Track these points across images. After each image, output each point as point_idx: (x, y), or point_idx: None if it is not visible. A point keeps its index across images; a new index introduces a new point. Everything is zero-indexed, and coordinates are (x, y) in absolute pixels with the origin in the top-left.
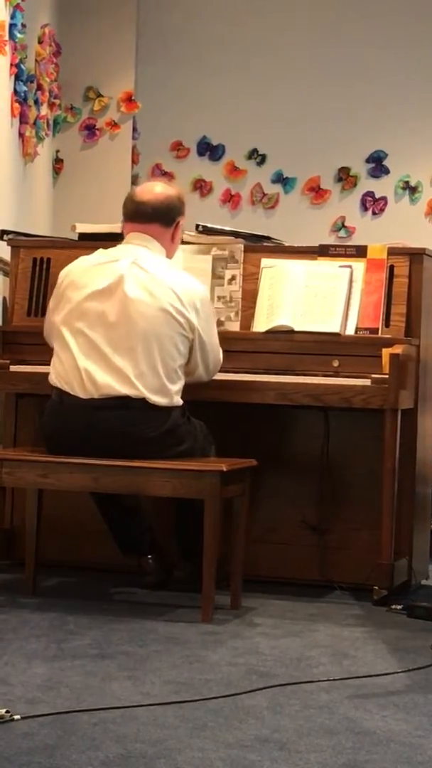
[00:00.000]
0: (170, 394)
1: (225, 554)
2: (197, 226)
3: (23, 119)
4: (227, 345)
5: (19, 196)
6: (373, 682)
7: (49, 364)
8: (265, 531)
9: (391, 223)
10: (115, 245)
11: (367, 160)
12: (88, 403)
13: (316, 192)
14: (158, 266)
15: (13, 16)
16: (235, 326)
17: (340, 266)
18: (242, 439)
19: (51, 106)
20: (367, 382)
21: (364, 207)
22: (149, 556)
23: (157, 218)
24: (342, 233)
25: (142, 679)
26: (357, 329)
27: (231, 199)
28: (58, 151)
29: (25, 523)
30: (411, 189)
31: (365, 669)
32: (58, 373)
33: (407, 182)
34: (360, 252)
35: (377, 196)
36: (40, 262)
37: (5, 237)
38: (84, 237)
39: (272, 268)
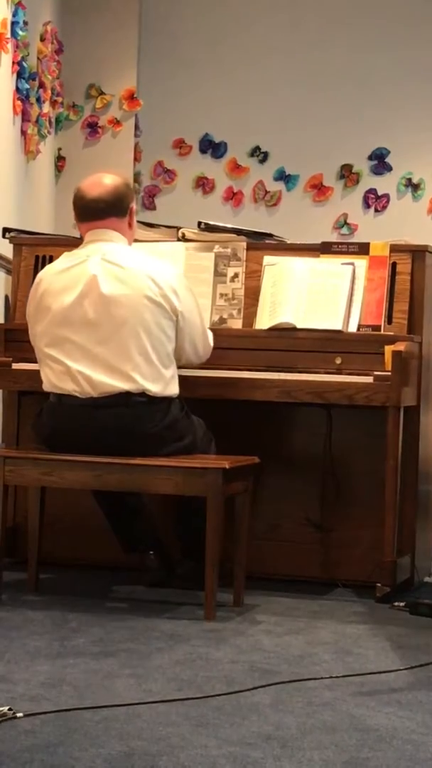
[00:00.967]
0: (166, 380)
1: (227, 552)
2: (199, 223)
3: (25, 117)
4: (230, 342)
5: (21, 193)
6: (375, 680)
7: None
8: (268, 528)
9: (394, 220)
10: (73, 251)
11: (370, 158)
12: (87, 402)
13: (319, 189)
14: (128, 257)
15: (15, 14)
16: (237, 324)
17: (343, 263)
18: (245, 436)
19: (53, 103)
20: (369, 379)
21: (367, 204)
22: (151, 554)
23: (111, 212)
24: (344, 230)
25: (144, 677)
26: (359, 326)
27: (233, 197)
28: (60, 149)
29: (28, 521)
30: (413, 186)
31: (368, 666)
32: (50, 380)
33: (410, 179)
34: (362, 249)
35: (380, 193)
36: (43, 259)
37: (7, 235)
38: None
39: (275, 266)
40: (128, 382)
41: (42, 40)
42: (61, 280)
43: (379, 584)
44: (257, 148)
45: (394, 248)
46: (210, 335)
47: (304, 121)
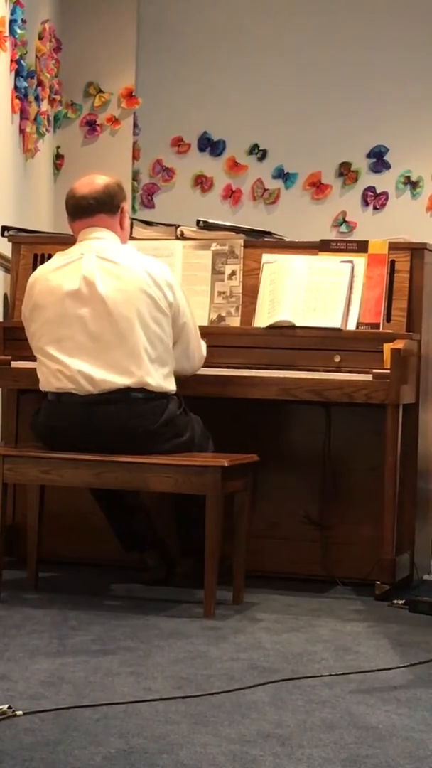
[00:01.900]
0: (165, 375)
1: (227, 549)
2: (198, 221)
3: (24, 115)
4: (228, 340)
5: (20, 192)
6: (375, 677)
7: None
8: (267, 526)
9: (393, 218)
10: (66, 249)
11: (368, 155)
12: (87, 399)
13: (317, 187)
14: (122, 253)
15: (13, 12)
16: (235, 322)
17: (342, 261)
18: (244, 434)
19: (51, 102)
20: (368, 377)
21: (365, 202)
22: (151, 552)
23: (101, 209)
24: (343, 228)
25: (144, 675)
26: (358, 324)
27: (232, 195)
28: (58, 147)
29: (27, 519)
30: (412, 184)
31: (367, 664)
32: (47, 379)
33: (408, 177)
34: (361, 247)
35: (378, 191)
36: (41, 258)
37: (6, 233)
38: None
39: (273, 264)
40: (128, 377)
41: (40, 38)
42: (56, 278)
43: (378, 582)
44: (256, 146)
45: (393, 246)
46: (203, 346)
47: (302, 119)
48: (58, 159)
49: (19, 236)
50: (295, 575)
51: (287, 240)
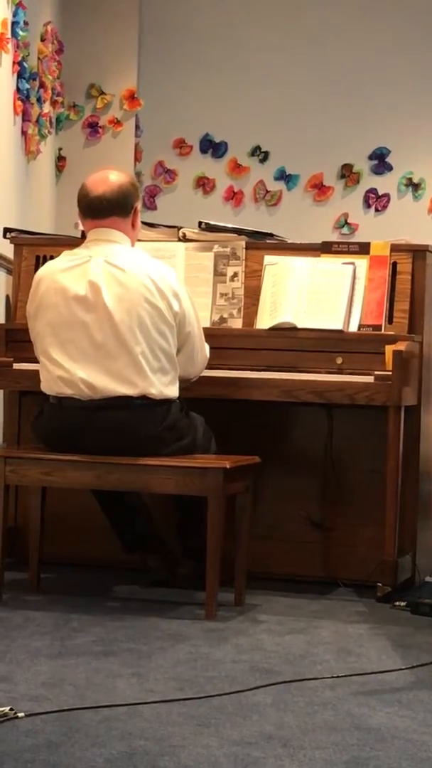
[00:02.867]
0: (166, 383)
1: (228, 551)
2: (200, 223)
3: (26, 117)
4: (230, 342)
5: (22, 194)
6: (377, 679)
7: None
8: (269, 528)
9: (394, 219)
10: (73, 249)
11: (370, 157)
12: (89, 404)
13: (319, 189)
14: (130, 259)
15: (15, 14)
16: (237, 323)
17: (343, 263)
18: (245, 436)
19: (53, 103)
20: (370, 379)
21: (367, 204)
22: (152, 554)
23: (114, 211)
24: (345, 230)
25: (146, 677)
26: (360, 326)
27: (234, 197)
28: (60, 149)
29: (29, 520)
30: (414, 186)
31: (369, 666)
32: (48, 384)
33: (410, 179)
34: (363, 249)
35: (380, 192)
36: (43, 259)
37: (8, 235)
38: (86, 235)
39: (275, 265)
40: (130, 387)
41: (42, 40)
42: (63, 280)
43: (380, 584)
44: (258, 147)
45: (395, 248)
46: (207, 348)
47: (304, 120)
48: (60, 161)
49: (21, 238)
50: (296, 577)
51: (289, 242)
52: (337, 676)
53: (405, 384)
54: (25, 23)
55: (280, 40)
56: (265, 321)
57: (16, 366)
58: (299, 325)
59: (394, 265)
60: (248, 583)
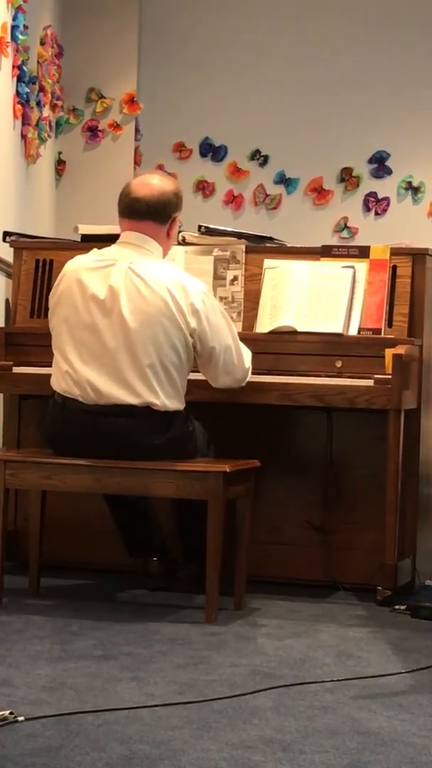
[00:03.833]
0: (174, 399)
1: (229, 555)
2: (199, 226)
3: (25, 121)
4: None
5: (22, 197)
6: (377, 683)
7: (51, 366)
8: (269, 532)
9: (394, 223)
10: (101, 247)
11: (370, 161)
12: (91, 408)
13: (319, 193)
14: (155, 271)
15: (15, 18)
16: (237, 327)
17: (343, 267)
18: (245, 440)
19: (53, 107)
20: (370, 382)
21: (367, 207)
22: (155, 560)
23: (152, 216)
24: (345, 234)
25: (146, 680)
26: (360, 330)
27: (234, 200)
28: (60, 153)
29: (29, 524)
30: (414, 189)
31: (369, 669)
32: (58, 381)
33: (410, 182)
34: (363, 252)
35: (380, 196)
36: (43, 263)
37: (8, 238)
38: (86, 238)
39: (275, 269)
40: (135, 397)
41: (42, 44)
42: (86, 278)
43: (380, 587)
44: (257, 151)
45: (395, 251)
46: (248, 355)
47: (304, 124)
48: (60, 164)
49: (21, 241)
50: (296, 580)
51: (289, 245)
52: (338, 680)
53: (405, 387)
54: (25, 27)
55: (280, 45)
56: (264, 325)
57: (16, 369)
58: (299, 329)
59: (394, 268)
60: (248, 586)
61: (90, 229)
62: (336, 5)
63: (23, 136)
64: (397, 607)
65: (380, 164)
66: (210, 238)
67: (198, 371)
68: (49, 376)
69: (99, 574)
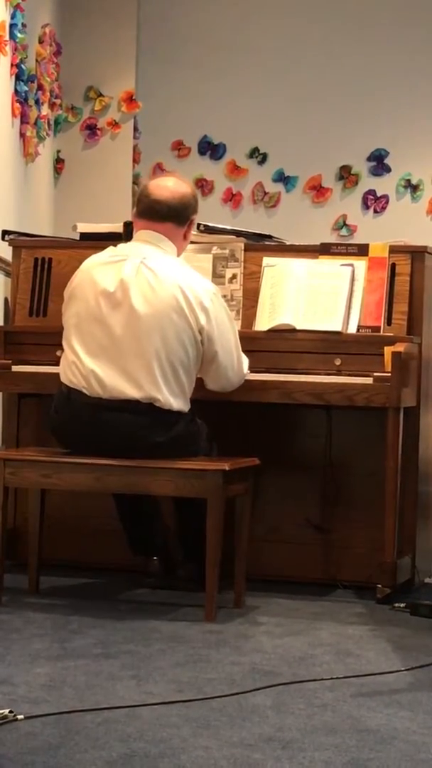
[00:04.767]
0: (179, 398)
1: (228, 553)
2: (198, 225)
3: (24, 119)
4: None
5: (21, 196)
6: (376, 681)
7: (50, 365)
8: (268, 530)
9: (393, 221)
10: (116, 245)
11: (369, 159)
12: (95, 402)
13: (318, 191)
14: (167, 266)
15: (13, 16)
16: (236, 325)
17: (342, 265)
18: (244, 438)
19: (52, 106)
20: (369, 380)
21: (366, 205)
22: (155, 560)
23: (171, 218)
24: (343, 232)
25: (145, 679)
26: (359, 328)
27: (232, 198)
28: (59, 151)
29: (28, 523)
30: (412, 187)
31: (369, 667)
32: (65, 372)
33: (409, 180)
34: (362, 250)
35: (379, 194)
36: (42, 262)
37: (6, 237)
38: (85, 237)
39: (274, 267)
40: (138, 390)
41: (40, 42)
42: (98, 273)
43: (379, 585)
44: (256, 149)
45: (394, 249)
46: (245, 362)
47: (302, 122)
48: (59, 163)
49: (20, 240)
50: (296, 579)
51: (288, 243)
52: (337, 678)
53: (404, 385)
54: (23, 25)
55: (279, 43)
56: (263, 323)
57: (15, 368)
58: (298, 327)
59: (393, 266)
60: (248, 584)
61: (89, 228)
62: (334, 4)
63: (22, 135)
64: (396, 605)
65: (379, 162)
66: (209, 237)
67: None
68: (48, 374)
69: (98, 572)
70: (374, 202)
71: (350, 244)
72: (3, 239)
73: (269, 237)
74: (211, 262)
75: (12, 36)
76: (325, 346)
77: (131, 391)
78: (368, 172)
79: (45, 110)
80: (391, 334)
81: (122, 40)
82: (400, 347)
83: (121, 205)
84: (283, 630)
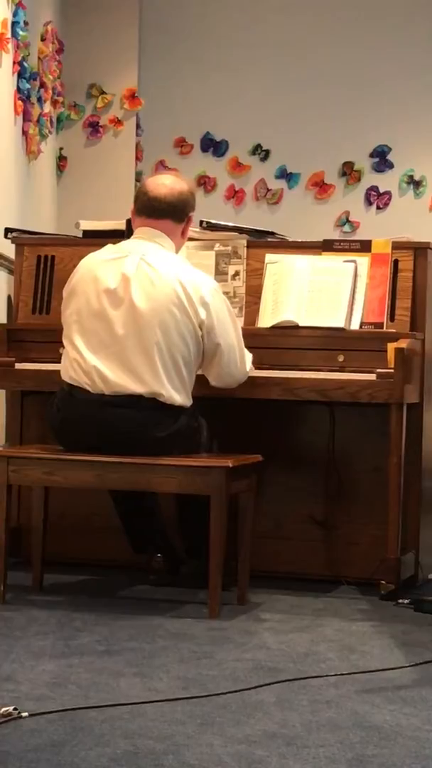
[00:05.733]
0: (181, 392)
1: (231, 550)
2: (201, 222)
3: (26, 117)
4: None
5: (23, 193)
6: (380, 677)
7: (53, 362)
8: (272, 526)
9: (396, 217)
10: (115, 242)
11: (371, 155)
12: (98, 398)
13: (320, 187)
14: (166, 262)
15: (15, 14)
16: (239, 322)
17: (345, 261)
18: (248, 434)
19: (54, 103)
20: (372, 376)
21: (369, 202)
22: (159, 556)
23: (170, 215)
24: (346, 228)
25: (149, 676)
26: (362, 324)
27: (235, 195)
28: (61, 149)
29: (31, 520)
30: (415, 183)
31: (373, 663)
32: (66, 369)
33: (411, 176)
34: (364, 247)
35: (381, 190)
36: (45, 259)
37: (9, 235)
38: (88, 234)
39: (277, 264)
40: (141, 386)
41: (43, 39)
42: (99, 270)
43: (383, 581)
44: (258, 146)
45: (396, 245)
46: (249, 357)
47: (305, 119)
48: (61, 160)
49: (23, 238)
50: (299, 575)
51: (290, 240)
52: (341, 674)
53: (407, 381)
54: (25, 23)
55: (281, 39)
56: (266, 319)
57: (18, 366)
58: (301, 324)
59: (396, 262)
60: (251, 581)
61: (91, 225)
62: (335, 0)
63: (24, 133)
64: (400, 601)
65: (381, 158)
66: (211, 234)
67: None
68: (50, 372)
69: (102, 569)
70: (377, 199)
71: (353, 241)
72: (6, 237)
73: (272, 234)
74: (213, 259)
75: (14, 34)
76: (328, 343)
77: (134, 387)
78: (371, 169)
79: (47, 108)
80: (394, 330)
81: (124, 37)
82: (403, 343)
83: (123, 203)
84: (286, 626)
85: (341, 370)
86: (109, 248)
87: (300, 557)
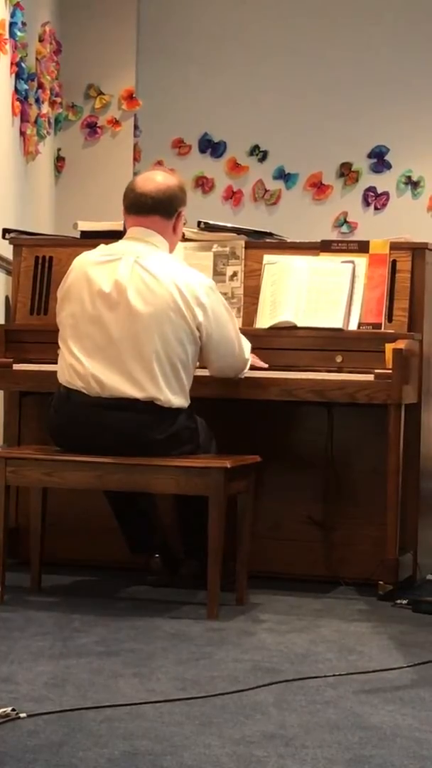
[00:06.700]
0: (179, 395)
1: (230, 551)
2: (199, 222)
3: (24, 118)
4: None
5: (21, 194)
6: (378, 677)
7: (51, 363)
8: (270, 527)
9: (394, 218)
10: (107, 243)
11: (369, 156)
12: (95, 401)
13: (318, 188)
14: (160, 264)
15: (13, 15)
16: (237, 323)
17: (343, 262)
18: (246, 435)
19: (52, 104)
20: (370, 377)
21: (366, 202)
22: (156, 557)
23: (157, 210)
24: (344, 229)
25: (148, 676)
26: (360, 325)
27: (233, 196)
28: (59, 150)
29: (30, 521)
30: (413, 184)
31: (371, 664)
32: (63, 372)
33: (409, 177)
34: (362, 247)
35: (379, 191)
36: (43, 260)
37: (7, 235)
38: (86, 235)
39: (275, 265)
40: (139, 390)
41: (40, 40)
42: (93, 273)
43: (381, 582)
44: (256, 147)
45: (394, 246)
46: (248, 346)
47: (303, 119)
48: (59, 161)
49: (21, 238)
50: (298, 576)
51: (288, 241)
52: (339, 675)
53: (405, 382)
54: (23, 24)
55: (279, 40)
56: (264, 320)
57: (16, 367)
58: (299, 324)
59: (394, 263)
60: (250, 582)
61: (90, 226)
62: (333, 1)
63: (22, 133)
64: (398, 601)
65: (379, 159)
66: (209, 234)
67: (201, 367)
68: (49, 373)
69: (100, 570)
70: (375, 199)
71: (351, 241)
72: (4, 237)
73: (270, 234)
74: (211, 259)
75: (12, 34)
76: (326, 343)
77: (132, 391)
78: (369, 169)
79: (45, 108)
80: (392, 331)
81: (122, 37)
82: (401, 344)
83: (121, 204)
84: (285, 627)
85: (339, 370)
86: (102, 249)
87: (298, 558)
